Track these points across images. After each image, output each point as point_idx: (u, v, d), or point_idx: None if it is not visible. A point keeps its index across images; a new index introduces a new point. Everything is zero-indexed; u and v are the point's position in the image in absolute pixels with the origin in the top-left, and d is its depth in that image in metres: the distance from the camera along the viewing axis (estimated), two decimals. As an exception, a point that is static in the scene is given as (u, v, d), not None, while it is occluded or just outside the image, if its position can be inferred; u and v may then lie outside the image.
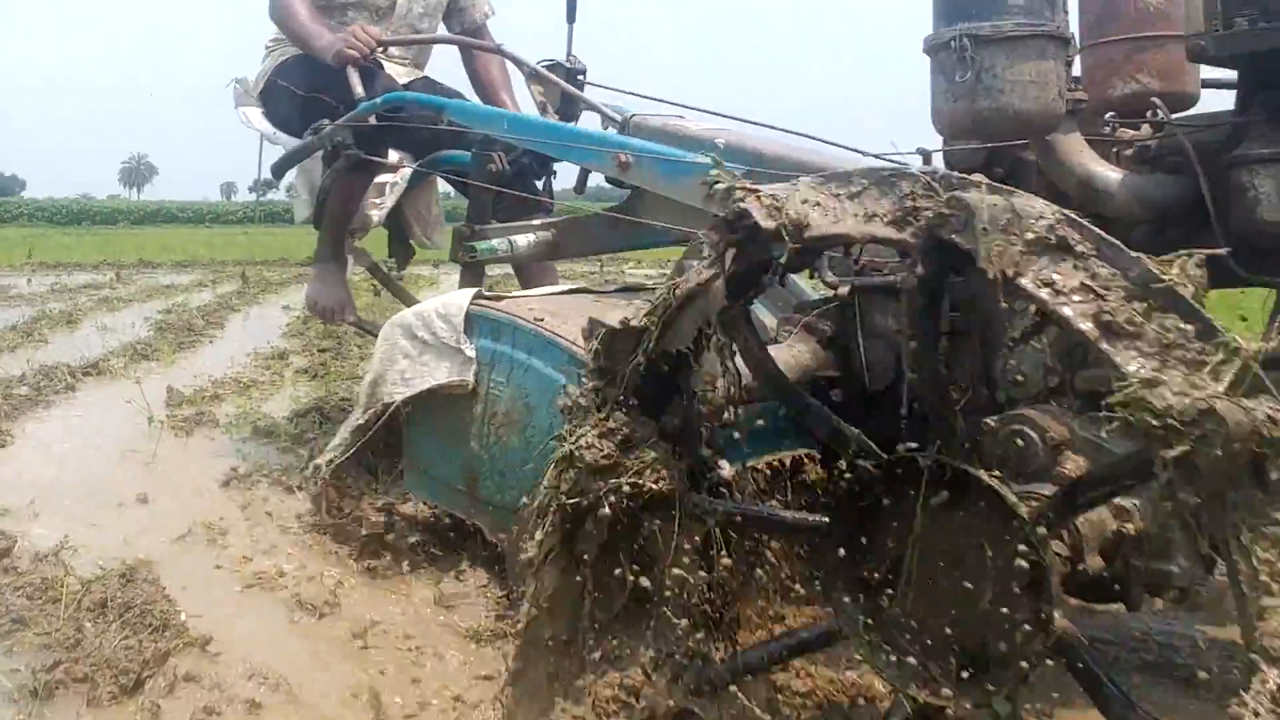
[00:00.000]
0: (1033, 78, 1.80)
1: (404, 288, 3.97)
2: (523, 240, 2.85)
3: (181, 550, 2.74)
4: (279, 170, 3.39)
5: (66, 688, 1.96)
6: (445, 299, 2.55)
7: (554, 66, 3.20)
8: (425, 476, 2.58)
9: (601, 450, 1.57)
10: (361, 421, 2.65)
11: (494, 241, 2.83)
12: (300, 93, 3.49)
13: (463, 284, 3.12)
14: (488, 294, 2.54)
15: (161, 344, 6.42)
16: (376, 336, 3.58)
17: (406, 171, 3.56)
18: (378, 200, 3.67)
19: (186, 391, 4.79)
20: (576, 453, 1.57)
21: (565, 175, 3.40)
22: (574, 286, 2.72)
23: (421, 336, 2.55)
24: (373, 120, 3.08)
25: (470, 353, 2.42)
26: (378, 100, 3.06)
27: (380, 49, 3.29)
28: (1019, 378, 1.98)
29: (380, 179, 3.57)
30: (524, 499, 2.28)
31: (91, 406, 4.67)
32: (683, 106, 2.83)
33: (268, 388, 5.07)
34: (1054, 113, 1.84)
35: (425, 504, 2.60)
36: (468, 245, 2.84)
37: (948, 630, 1.39)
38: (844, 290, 2.16)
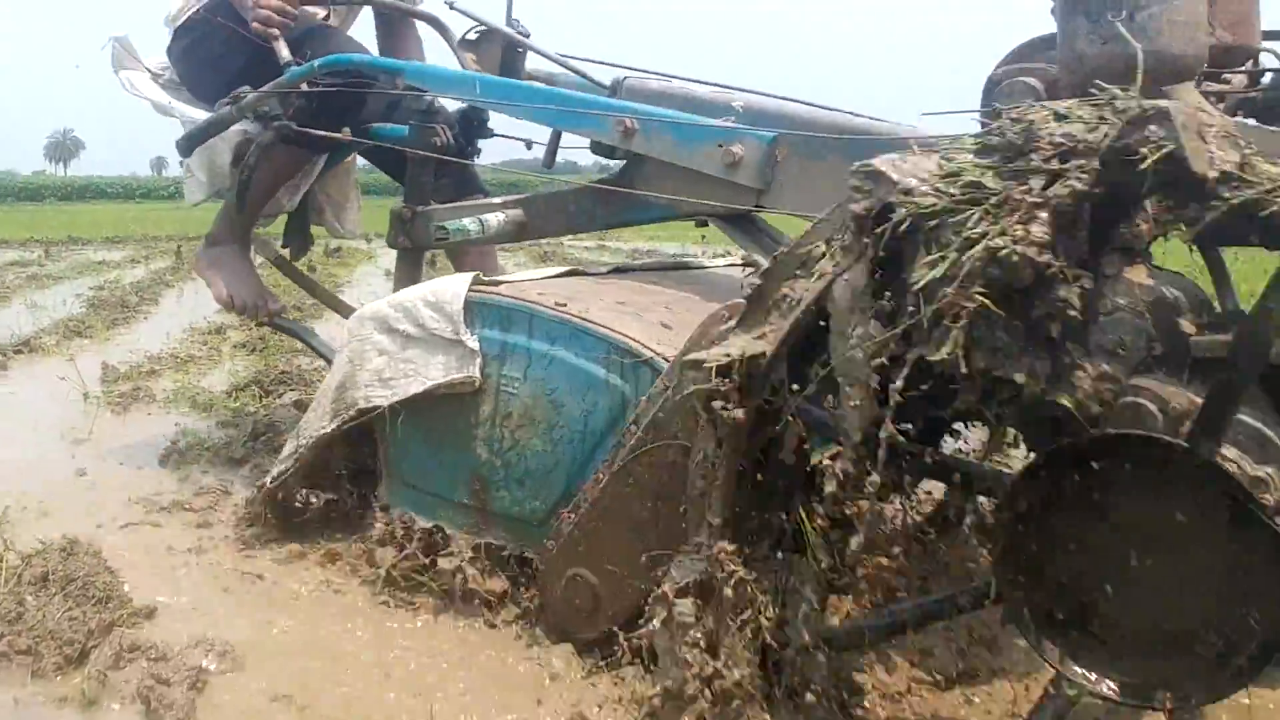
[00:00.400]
0: (1187, 18, 1.30)
1: (317, 282, 3.24)
2: (494, 220, 2.22)
3: (122, 525, 2.38)
4: (188, 145, 2.60)
5: (10, 660, 1.72)
6: (432, 287, 1.94)
7: (491, 32, 2.55)
8: (412, 490, 1.97)
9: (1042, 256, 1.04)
10: (328, 430, 2.01)
11: (465, 221, 2.19)
12: (248, 35, 2.54)
13: (399, 270, 2.50)
14: (485, 279, 1.93)
15: (95, 321, 5.59)
16: (300, 337, 2.87)
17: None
18: (291, 181, 2.86)
19: (122, 368, 4.19)
20: (1009, 251, 1.04)
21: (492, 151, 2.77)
22: (564, 269, 2.12)
23: (403, 330, 1.93)
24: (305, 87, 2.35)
25: (473, 345, 1.82)
26: (315, 63, 2.33)
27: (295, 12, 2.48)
28: (1119, 348, 1.53)
29: None
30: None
31: (24, 384, 4.06)
32: (655, 74, 2.25)
33: (205, 363, 4.45)
34: (1203, 58, 1.34)
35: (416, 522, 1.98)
36: (438, 226, 2.20)
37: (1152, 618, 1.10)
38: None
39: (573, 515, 1.66)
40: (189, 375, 4.13)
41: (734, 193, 1.90)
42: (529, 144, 2.62)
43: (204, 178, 2.78)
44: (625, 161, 2.08)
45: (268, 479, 2.13)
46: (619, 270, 2.15)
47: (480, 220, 2.17)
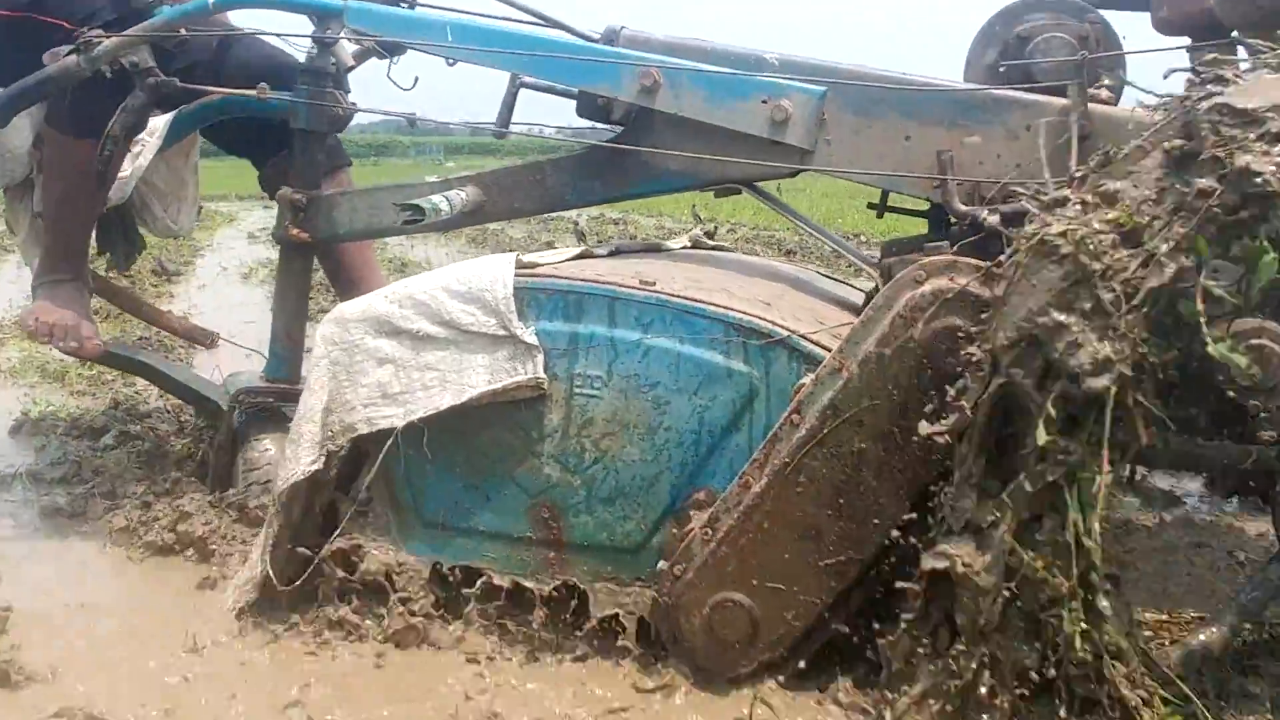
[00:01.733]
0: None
1: (143, 300, 2.67)
2: (458, 199, 1.89)
3: None
4: (8, 111, 2.01)
5: None
6: (455, 274, 1.60)
7: None
8: (437, 530, 1.62)
9: None
10: (315, 468, 1.60)
11: (435, 199, 1.84)
12: None
13: (287, 267, 2.14)
14: (525, 260, 1.63)
15: None
16: (150, 372, 2.36)
17: (158, 123, 2.28)
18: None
19: None
20: None
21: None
22: (576, 250, 1.84)
23: (417, 330, 1.58)
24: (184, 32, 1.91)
25: (530, 339, 1.52)
26: (209, 0, 1.87)
27: None
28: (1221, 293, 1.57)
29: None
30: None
31: None
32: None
33: (55, 330, 4.01)
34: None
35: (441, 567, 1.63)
36: (404, 205, 1.82)
37: None
38: (992, 220, 1.59)
39: (710, 531, 1.43)
40: (36, 344, 3.71)
41: (777, 154, 1.75)
42: (412, 121, 2.29)
43: None
44: (623, 126, 1.86)
45: (258, 568, 1.65)
46: (617, 252, 1.91)
47: (447, 199, 1.84)
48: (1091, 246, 1.15)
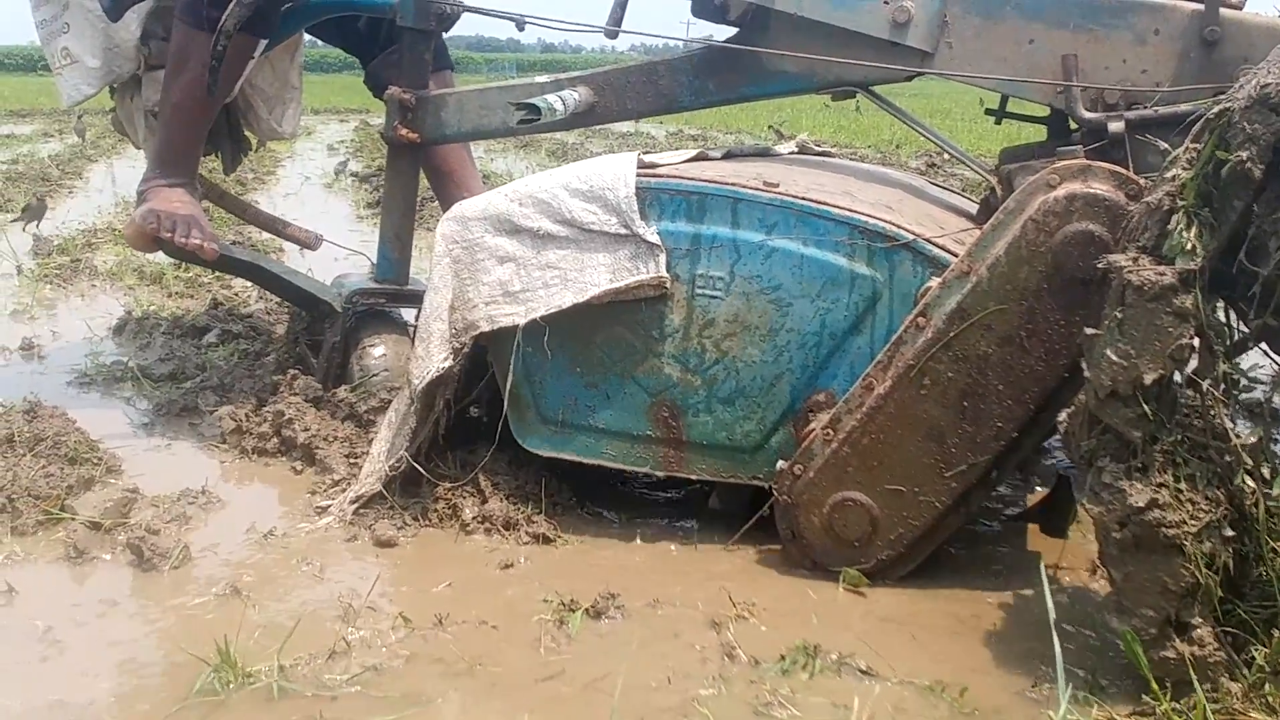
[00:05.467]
0: None
1: (251, 204, 2.77)
2: (571, 99, 1.95)
3: (82, 389, 2.50)
4: (118, 3, 2.10)
5: (-12, 517, 1.77)
6: (576, 172, 1.68)
7: None
8: (556, 428, 1.72)
9: None
10: (447, 366, 1.70)
11: (550, 98, 1.91)
12: None
13: (395, 168, 2.22)
14: (645, 160, 1.69)
15: (15, 194, 5.43)
16: (262, 274, 2.44)
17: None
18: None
19: (56, 241, 4.18)
20: None
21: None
22: (692, 152, 1.90)
23: (537, 228, 1.66)
24: None
25: (653, 239, 1.59)
26: None
27: None
28: None
29: None
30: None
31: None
32: None
33: (148, 235, 4.35)
34: None
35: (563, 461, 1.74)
36: (527, 103, 1.88)
37: None
38: (1116, 127, 1.61)
39: (832, 431, 1.50)
40: (132, 247, 3.89)
41: (897, 57, 1.79)
42: (520, 24, 2.33)
43: (95, 62, 2.26)
44: (738, 28, 1.90)
45: (384, 464, 1.76)
46: (729, 157, 1.96)
47: (561, 99, 1.90)
48: None
